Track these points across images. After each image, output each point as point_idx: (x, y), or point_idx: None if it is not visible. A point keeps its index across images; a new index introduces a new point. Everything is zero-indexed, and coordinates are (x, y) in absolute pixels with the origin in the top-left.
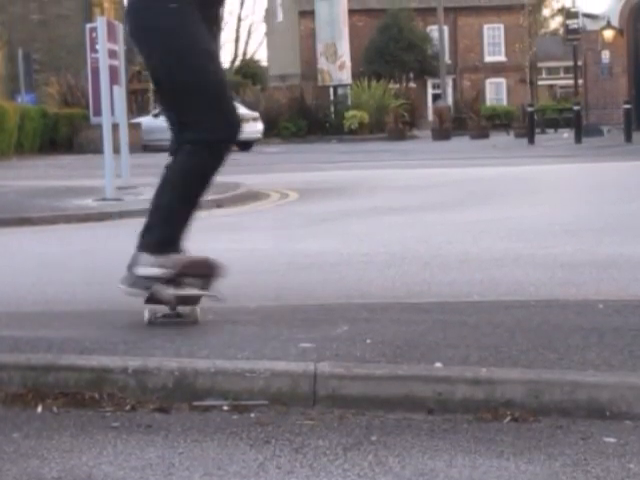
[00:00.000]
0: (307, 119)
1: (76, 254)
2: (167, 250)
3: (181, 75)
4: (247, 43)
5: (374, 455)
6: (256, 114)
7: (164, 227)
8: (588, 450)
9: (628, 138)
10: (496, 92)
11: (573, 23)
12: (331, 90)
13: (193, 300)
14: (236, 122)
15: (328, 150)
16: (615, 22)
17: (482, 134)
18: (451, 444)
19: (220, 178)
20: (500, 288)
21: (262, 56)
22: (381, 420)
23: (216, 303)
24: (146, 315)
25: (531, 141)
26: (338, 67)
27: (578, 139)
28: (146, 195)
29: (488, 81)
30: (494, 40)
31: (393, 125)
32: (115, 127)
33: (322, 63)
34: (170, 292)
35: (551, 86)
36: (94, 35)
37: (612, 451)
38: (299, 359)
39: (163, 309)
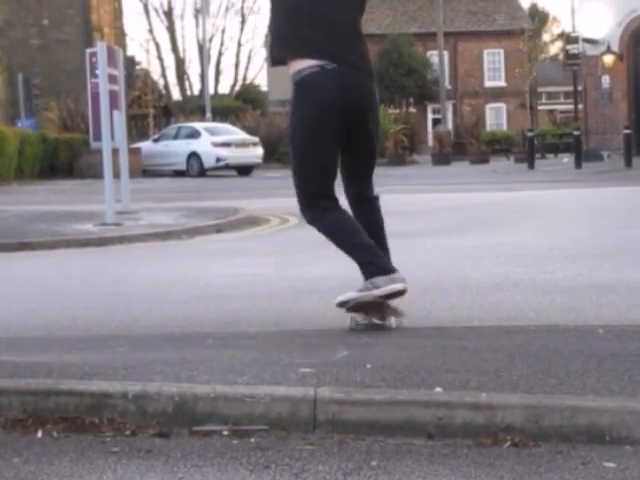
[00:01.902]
0: None
1: (76, 279)
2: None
3: (294, 154)
4: (247, 68)
5: None
6: (256, 139)
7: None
8: (588, 475)
9: (628, 163)
10: (496, 117)
11: (573, 48)
12: None
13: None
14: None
15: None
16: (615, 47)
17: (482, 159)
18: (451, 469)
19: (220, 203)
20: (500, 313)
21: (262, 81)
22: (381, 445)
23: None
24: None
25: (531, 166)
26: None
27: (578, 164)
28: (146, 220)
29: (488, 106)
30: (494, 65)
31: (393, 150)
32: (115, 152)
33: None
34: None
35: (551, 111)
36: (94, 60)
37: (612, 476)
38: (299, 384)
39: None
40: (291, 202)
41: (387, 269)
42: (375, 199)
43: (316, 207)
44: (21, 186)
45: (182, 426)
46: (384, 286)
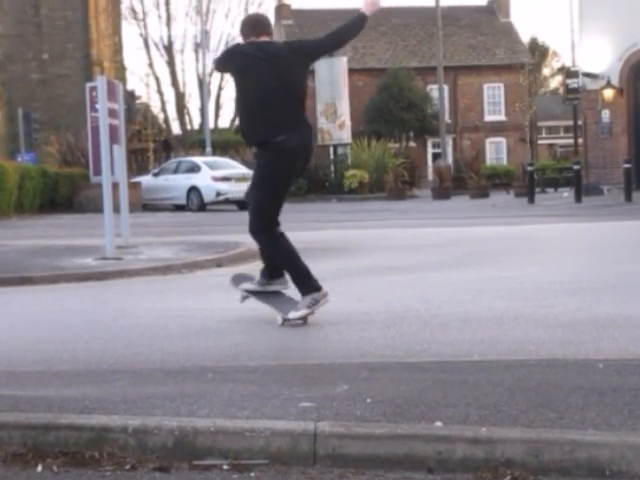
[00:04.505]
0: (307, 178)
1: (76, 313)
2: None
3: (266, 194)
4: None
5: None
6: None
7: None
8: None
9: (628, 197)
10: (496, 151)
11: (573, 82)
12: (331, 149)
13: None
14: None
15: (328, 209)
16: (615, 81)
17: (482, 193)
18: None
19: (220, 237)
20: (500, 347)
21: None
22: (381, 479)
23: None
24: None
25: (531, 200)
26: (338, 126)
27: (578, 198)
28: (146, 254)
29: (488, 140)
30: (494, 99)
31: (393, 184)
32: (115, 186)
33: (322, 123)
34: None
35: (551, 145)
36: (94, 94)
37: None
38: (299, 418)
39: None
40: (291, 236)
41: (318, 287)
42: None
43: (271, 231)
44: (21, 220)
45: (182, 460)
46: (321, 300)
